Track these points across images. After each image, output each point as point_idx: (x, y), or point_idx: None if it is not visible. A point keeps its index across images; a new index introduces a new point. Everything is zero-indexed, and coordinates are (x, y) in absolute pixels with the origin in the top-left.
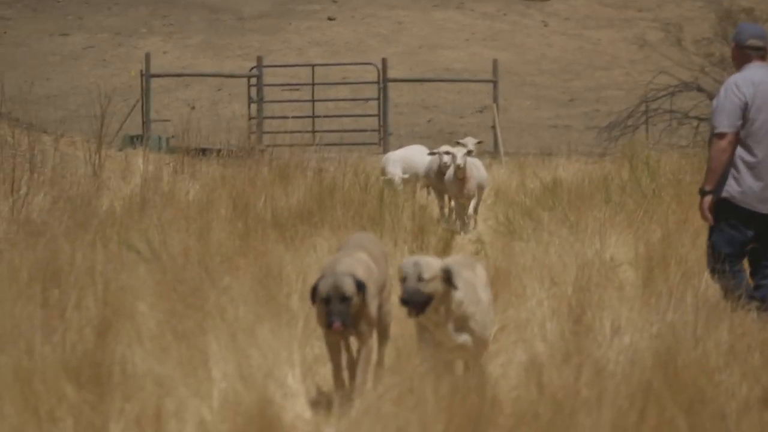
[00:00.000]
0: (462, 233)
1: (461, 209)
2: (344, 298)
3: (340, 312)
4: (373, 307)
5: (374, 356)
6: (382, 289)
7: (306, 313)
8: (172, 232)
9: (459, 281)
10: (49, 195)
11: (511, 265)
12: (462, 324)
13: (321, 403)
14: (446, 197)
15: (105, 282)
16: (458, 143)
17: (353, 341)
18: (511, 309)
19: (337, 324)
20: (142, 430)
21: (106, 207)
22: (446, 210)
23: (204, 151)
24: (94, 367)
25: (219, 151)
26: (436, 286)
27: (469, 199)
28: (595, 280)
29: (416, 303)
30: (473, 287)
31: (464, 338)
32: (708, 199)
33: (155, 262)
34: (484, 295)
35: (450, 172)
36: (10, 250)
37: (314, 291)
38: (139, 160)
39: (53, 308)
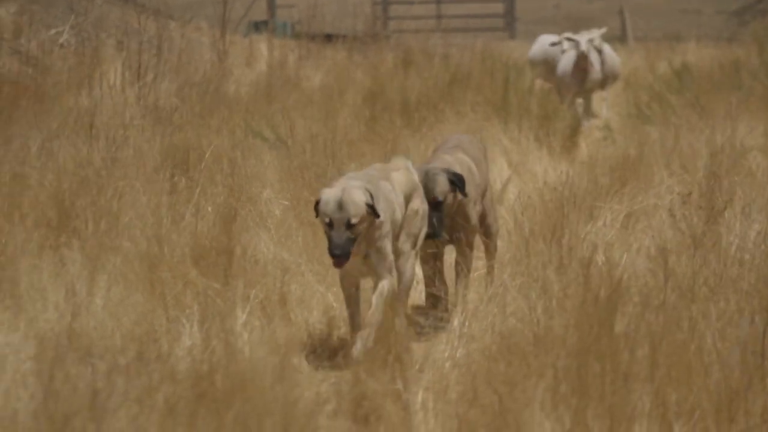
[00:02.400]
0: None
1: (585, 104)
2: (436, 204)
3: (435, 220)
4: (473, 214)
5: (471, 269)
6: (483, 194)
7: None
8: (298, 119)
9: (379, 204)
10: (175, 81)
11: (640, 151)
12: (374, 243)
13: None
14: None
15: (231, 168)
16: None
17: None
18: (639, 195)
19: (437, 232)
20: (268, 317)
21: (231, 93)
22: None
23: (329, 37)
24: (220, 253)
25: (344, 37)
26: (364, 225)
27: (590, 92)
28: (725, 166)
29: (347, 253)
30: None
31: (374, 258)
32: None
33: (281, 149)
34: (397, 203)
35: (566, 62)
36: (138, 137)
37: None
38: (263, 46)
39: (180, 195)
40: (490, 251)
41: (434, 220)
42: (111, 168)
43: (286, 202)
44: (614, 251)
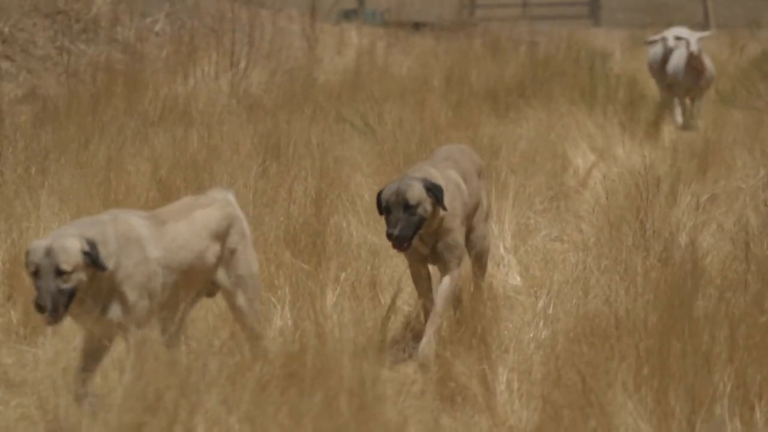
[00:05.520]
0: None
1: (696, 103)
2: (407, 206)
3: (401, 222)
4: (458, 231)
5: (454, 290)
6: (473, 211)
7: (517, 184)
8: (387, 105)
9: (109, 257)
10: (267, 68)
11: (722, 136)
12: (111, 294)
13: (529, 273)
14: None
15: (322, 153)
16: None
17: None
18: (722, 179)
19: (391, 231)
20: (358, 298)
21: (321, 80)
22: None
23: (417, 25)
24: (311, 236)
25: (432, 24)
26: (81, 277)
27: (702, 91)
28: None
29: (56, 307)
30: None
31: (114, 312)
32: None
33: (370, 134)
34: (213, 245)
35: (677, 61)
36: (230, 122)
37: (379, 199)
38: (353, 34)
39: (272, 179)
40: (480, 269)
41: (403, 222)
42: (205, 154)
43: (376, 186)
44: (696, 234)
